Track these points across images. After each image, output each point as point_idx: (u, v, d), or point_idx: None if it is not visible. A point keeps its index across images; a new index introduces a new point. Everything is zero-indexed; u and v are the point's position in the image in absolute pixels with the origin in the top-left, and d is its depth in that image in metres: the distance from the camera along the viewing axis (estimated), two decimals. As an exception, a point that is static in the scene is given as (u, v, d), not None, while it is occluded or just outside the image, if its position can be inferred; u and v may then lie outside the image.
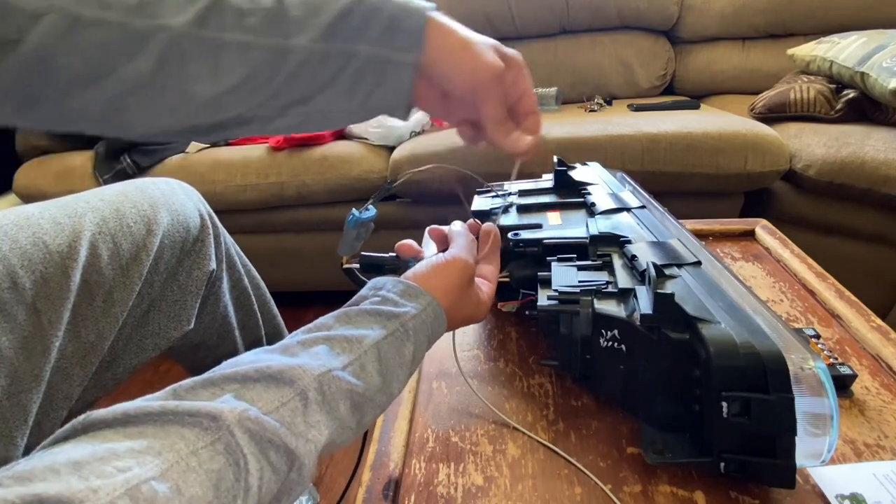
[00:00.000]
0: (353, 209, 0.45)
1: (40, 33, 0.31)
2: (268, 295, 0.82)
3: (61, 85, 0.33)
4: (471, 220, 0.52)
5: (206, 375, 0.29)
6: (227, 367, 0.30)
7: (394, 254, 0.46)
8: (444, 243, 0.50)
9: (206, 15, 0.34)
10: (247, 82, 0.35)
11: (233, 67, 0.35)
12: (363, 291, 0.40)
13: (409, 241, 0.49)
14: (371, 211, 0.46)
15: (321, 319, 0.36)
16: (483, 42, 0.39)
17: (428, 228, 0.52)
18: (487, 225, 0.51)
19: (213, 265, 0.66)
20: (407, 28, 0.36)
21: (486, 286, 0.46)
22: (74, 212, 0.53)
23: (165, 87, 0.34)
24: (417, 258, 0.46)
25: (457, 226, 0.50)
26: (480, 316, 0.45)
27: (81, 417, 0.25)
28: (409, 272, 0.42)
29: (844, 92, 1.31)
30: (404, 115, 0.40)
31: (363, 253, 0.46)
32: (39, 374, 0.47)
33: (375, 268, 0.45)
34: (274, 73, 0.35)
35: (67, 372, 0.51)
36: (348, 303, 0.39)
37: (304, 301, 1.61)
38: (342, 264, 0.46)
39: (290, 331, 0.94)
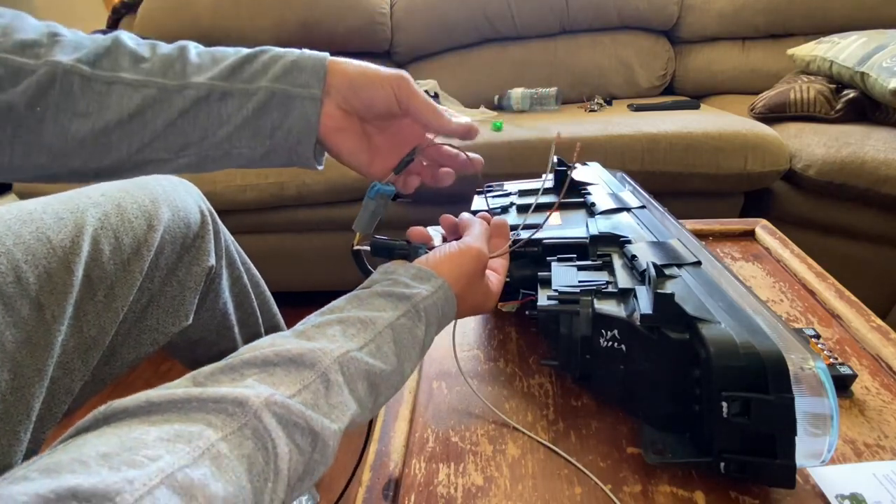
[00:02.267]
0: (376, 182, 0.44)
1: None
2: (268, 293, 0.82)
3: None
4: (482, 213, 0.52)
5: (225, 361, 0.29)
6: (245, 351, 0.30)
7: (405, 240, 0.46)
8: (454, 234, 0.50)
9: (98, 56, 0.34)
10: (135, 119, 0.35)
11: (121, 104, 0.34)
12: (374, 276, 0.40)
13: (421, 228, 0.49)
14: (391, 187, 0.45)
15: (333, 303, 0.37)
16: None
17: (441, 218, 0.52)
18: (499, 218, 0.52)
19: (213, 261, 0.66)
20: (307, 67, 0.38)
21: (494, 278, 0.47)
22: (76, 207, 0.53)
23: (42, 122, 0.33)
24: (429, 245, 0.46)
25: (469, 215, 0.50)
26: (489, 306, 0.46)
27: (103, 407, 0.24)
28: (423, 258, 0.42)
29: (844, 92, 1.31)
30: (313, 162, 0.41)
31: (375, 236, 0.45)
32: (42, 368, 0.47)
33: (386, 251, 0.45)
34: (167, 109, 0.35)
35: (69, 367, 0.51)
36: (359, 287, 0.39)
37: (304, 301, 1.61)
38: (353, 245, 0.45)
39: None
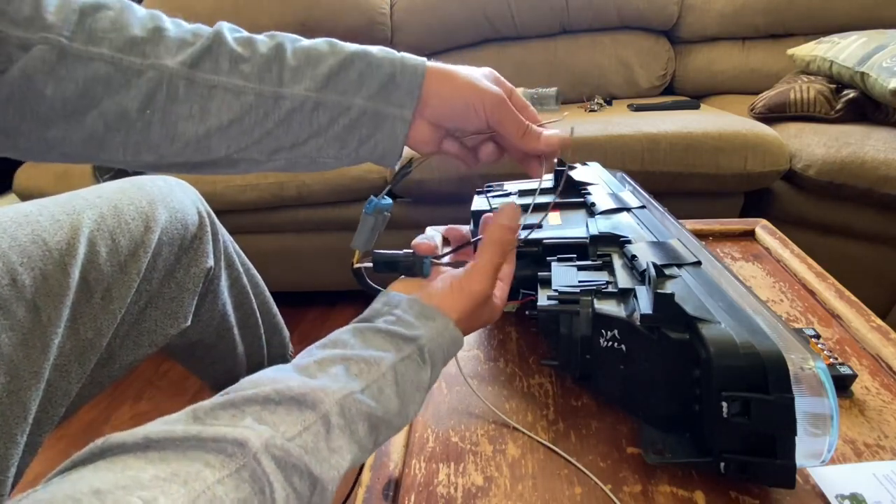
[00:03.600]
0: (373, 195, 0.43)
1: (27, 63, 0.31)
2: (267, 294, 0.82)
3: (43, 115, 0.33)
4: (488, 216, 0.47)
5: (225, 397, 0.28)
6: (246, 385, 0.29)
7: (409, 251, 0.44)
8: (460, 242, 0.49)
9: (200, 57, 0.35)
10: (234, 125, 0.36)
11: (221, 109, 0.35)
12: (376, 305, 0.38)
13: (427, 241, 0.46)
14: (388, 200, 0.43)
15: (335, 334, 0.35)
16: (481, 74, 0.41)
17: (446, 229, 0.50)
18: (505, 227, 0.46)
19: (211, 262, 0.66)
20: (403, 84, 0.37)
21: (499, 290, 0.43)
22: (73, 209, 0.53)
23: (150, 125, 0.34)
24: (434, 256, 0.44)
25: (487, 239, 0.42)
26: (493, 319, 0.43)
27: (100, 441, 0.24)
28: (425, 292, 0.39)
29: (844, 92, 1.31)
30: (394, 165, 0.42)
31: (376, 251, 0.43)
32: (39, 371, 0.47)
33: (389, 265, 0.42)
34: (263, 117, 0.36)
35: (66, 369, 0.51)
36: (361, 317, 0.37)
37: (304, 301, 1.61)
38: (353, 263, 0.43)
39: (290, 331, 0.93)
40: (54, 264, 0.49)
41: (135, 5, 0.36)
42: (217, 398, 0.28)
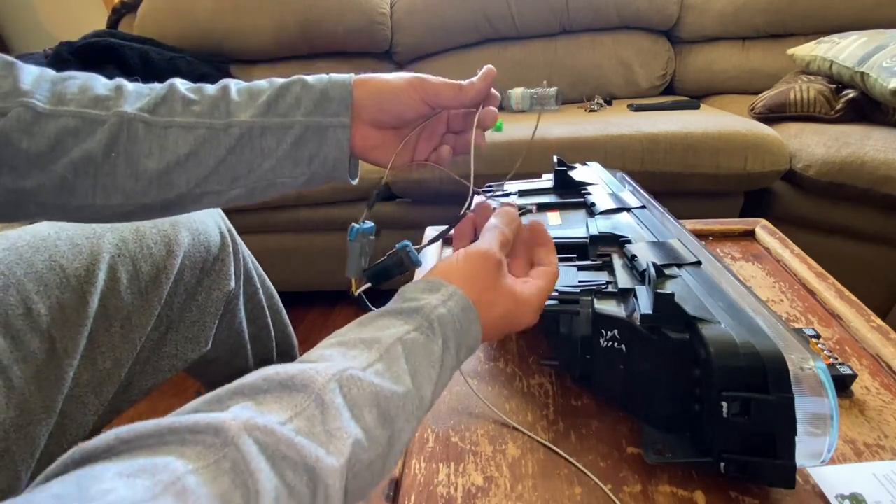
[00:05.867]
0: (353, 223, 0.44)
1: (6, 124, 0.35)
2: (280, 305, 0.81)
3: (19, 167, 0.36)
4: (504, 207, 0.45)
5: (212, 393, 0.26)
6: (234, 382, 0.27)
7: (392, 250, 0.44)
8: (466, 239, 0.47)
9: (156, 104, 0.39)
10: (191, 158, 0.39)
11: (178, 144, 0.38)
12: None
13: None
14: (370, 224, 0.44)
15: (334, 332, 0.33)
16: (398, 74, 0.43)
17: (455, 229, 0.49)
18: (533, 221, 0.44)
19: (233, 284, 0.65)
20: (335, 96, 0.40)
21: (532, 285, 0.39)
22: (93, 232, 0.52)
23: (116, 167, 0.38)
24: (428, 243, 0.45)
25: (491, 221, 0.42)
26: (523, 318, 0.38)
27: (70, 452, 0.21)
28: (433, 270, 0.38)
29: (844, 92, 1.31)
30: (347, 178, 0.43)
31: (365, 269, 0.43)
32: (51, 404, 0.46)
33: (381, 274, 0.42)
34: (216, 147, 0.39)
35: (82, 401, 0.50)
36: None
37: (305, 301, 1.61)
38: (353, 293, 0.43)
39: (296, 332, 0.91)
40: (72, 292, 0.48)
41: (100, 77, 0.40)
42: (203, 396, 0.26)
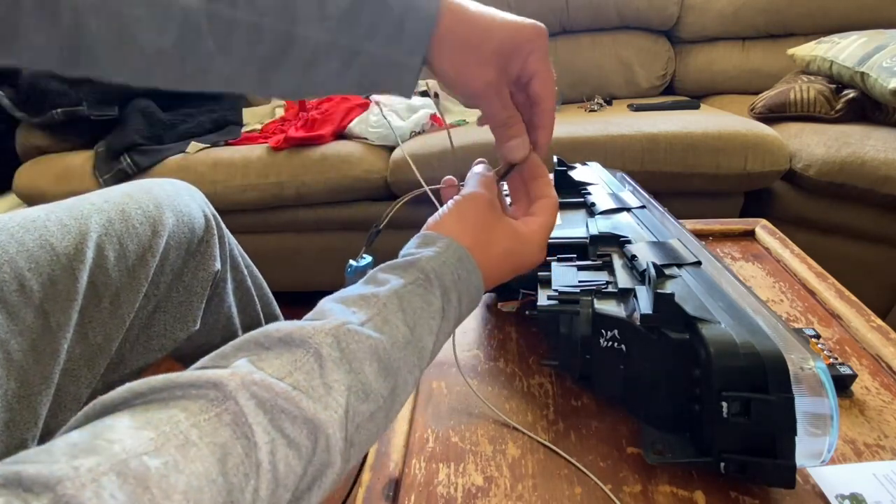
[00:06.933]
0: (350, 260, 0.43)
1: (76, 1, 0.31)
2: (270, 295, 0.82)
3: (94, 49, 0.33)
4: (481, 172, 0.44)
5: (218, 350, 0.27)
6: (238, 339, 0.28)
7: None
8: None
9: None
10: (255, 62, 0.35)
11: (241, 47, 0.34)
12: None
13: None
14: (367, 259, 0.43)
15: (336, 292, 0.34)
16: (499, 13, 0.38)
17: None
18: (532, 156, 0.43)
19: (218, 265, 0.66)
20: (412, 31, 0.36)
21: (529, 220, 0.40)
22: (80, 213, 0.53)
23: (185, 60, 0.34)
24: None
25: (473, 169, 0.44)
26: (528, 256, 0.39)
27: (92, 403, 0.23)
28: (424, 225, 0.38)
29: (844, 92, 1.31)
30: (409, 96, 0.40)
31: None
32: (49, 376, 0.47)
33: None
34: (281, 58, 0.35)
35: (75, 374, 0.51)
36: None
37: (305, 301, 1.60)
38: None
39: None
40: (62, 269, 0.49)
41: None
42: (210, 354, 0.27)
